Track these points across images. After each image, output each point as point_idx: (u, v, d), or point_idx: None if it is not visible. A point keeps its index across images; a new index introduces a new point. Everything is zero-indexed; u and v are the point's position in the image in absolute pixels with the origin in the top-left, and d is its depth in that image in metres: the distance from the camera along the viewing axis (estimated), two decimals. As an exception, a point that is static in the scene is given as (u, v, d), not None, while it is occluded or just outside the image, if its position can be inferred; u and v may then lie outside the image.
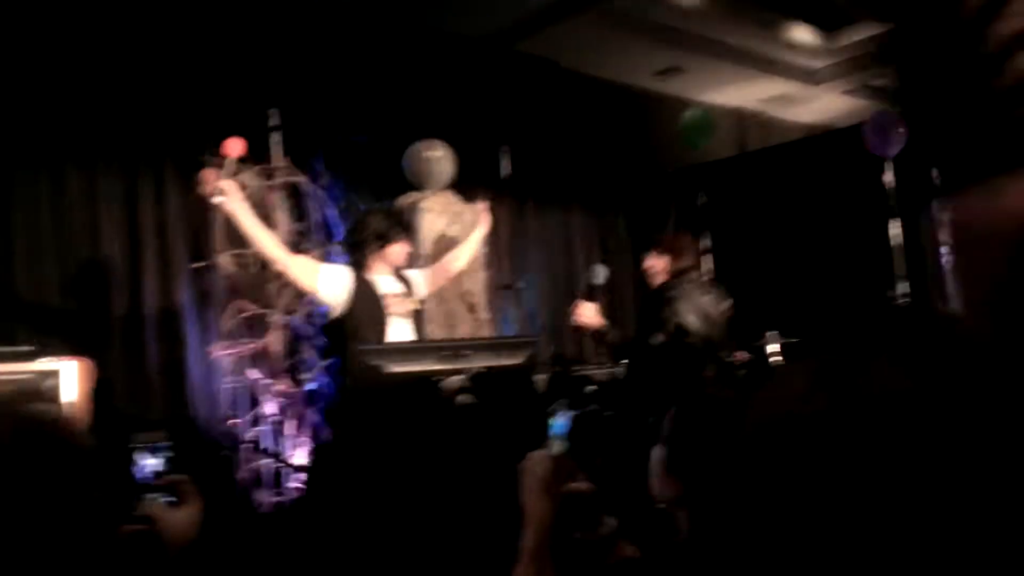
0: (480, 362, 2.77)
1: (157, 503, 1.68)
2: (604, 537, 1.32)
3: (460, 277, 5.03)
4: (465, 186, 5.21)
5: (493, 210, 5.71)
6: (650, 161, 6.79)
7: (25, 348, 3.21)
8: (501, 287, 5.19)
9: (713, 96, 7.23)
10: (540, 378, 4.29)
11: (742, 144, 7.63)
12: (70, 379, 3.16)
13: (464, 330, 4.75)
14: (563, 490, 1.32)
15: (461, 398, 2.62)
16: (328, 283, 3.61)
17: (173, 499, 1.68)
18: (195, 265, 4.42)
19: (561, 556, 1.26)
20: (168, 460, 1.76)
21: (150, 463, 1.76)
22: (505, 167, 5.91)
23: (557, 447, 1.51)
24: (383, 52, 5.08)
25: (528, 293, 5.13)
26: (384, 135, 5.04)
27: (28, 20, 3.88)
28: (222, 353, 4.26)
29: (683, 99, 7.09)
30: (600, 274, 3.95)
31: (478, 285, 5.06)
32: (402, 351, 2.80)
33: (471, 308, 4.87)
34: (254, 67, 4.53)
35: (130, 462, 1.68)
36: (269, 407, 4.36)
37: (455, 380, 2.66)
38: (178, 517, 1.65)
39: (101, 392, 3.25)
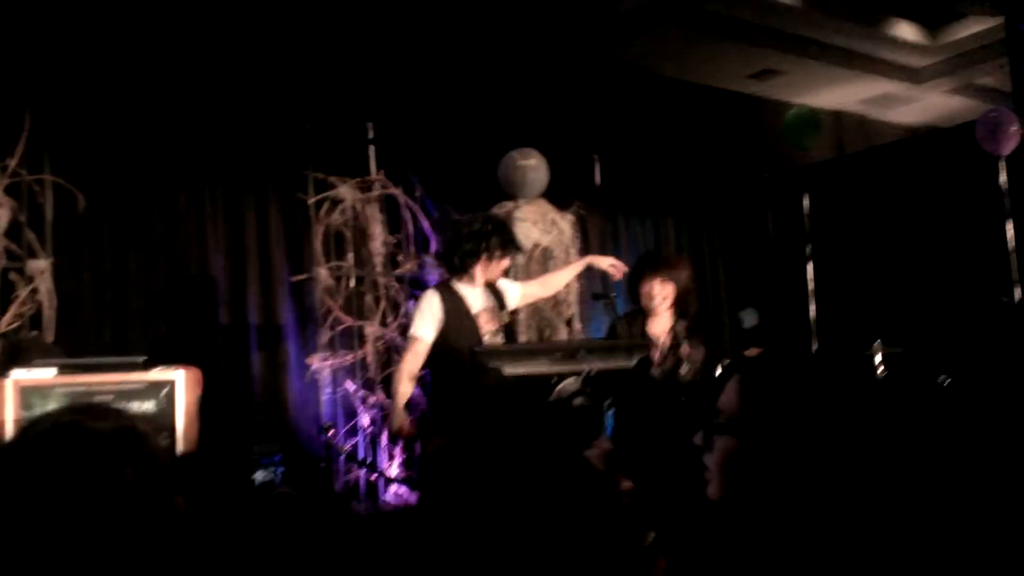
0: (594, 364, 2.72)
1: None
2: (647, 549, 1.24)
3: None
4: (559, 195, 5.18)
5: (585, 219, 5.70)
6: (744, 167, 6.61)
7: (138, 359, 3.30)
8: (594, 297, 5.11)
9: (810, 98, 7.01)
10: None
11: (841, 147, 7.37)
12: (181, 388, 3.25)
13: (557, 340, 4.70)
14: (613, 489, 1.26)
15: (577, 400, 2.58)
16: (428, 330, 3.60)
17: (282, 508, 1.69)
18: (295, 279, 4.50)
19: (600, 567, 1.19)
20: (281, 473, 1.77)
21: (261, 474, 1.77)
22: (597, 176, 5.85)
23: (607, 446, 1.46)
24: (476, 63, 5.09)
25: (620, 303, 5.03)
26: (478, 145, 5.04)
27: (139, 60, 4.04)
28: (320, 365, 4.32)
29: (779, 102, 6.90)
30: (748, 319, 3.90)
31: (572, 295, 5.00)
32: (518, 353, 2.76)
33: (565, 318, 4.81)
34: (350, 82, 4.60)
35: (250, 471, 1.70)
36: (365, 418, 4.39)
37: (571, 382, 2.63)
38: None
39: (207, 402, 3.33)
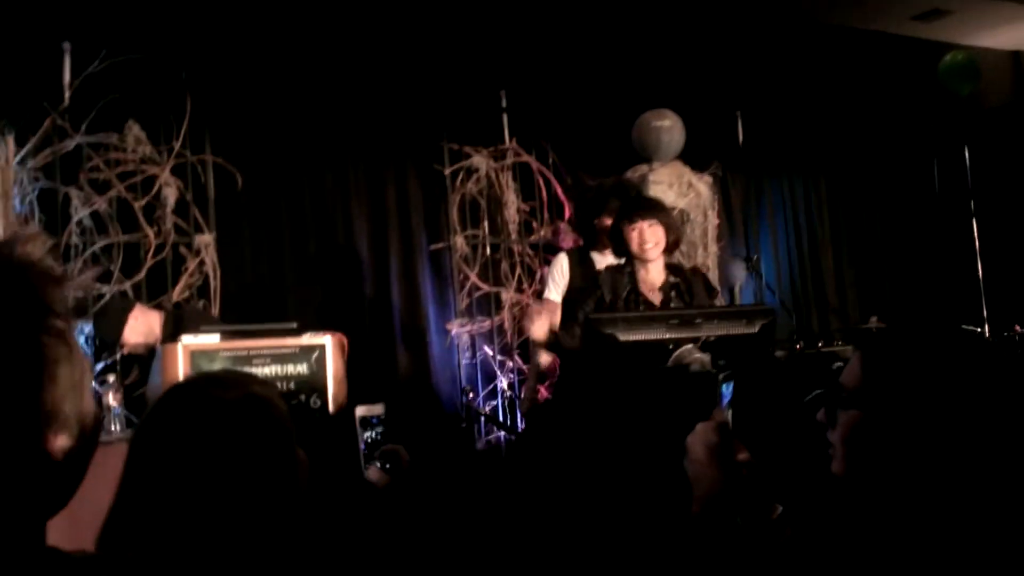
0: (712, 331, 2.69)
1: (375, 469, 1.82)
2: (773, 522, 1.23)
3: (692, 250, 4.92)
4: (697, 156, 5.07)
5: (727, 180, 5.54)
6: (907, 118, 6.16)
7: (289, 325, 3.56)
8: (735, 259, 4.99)
9: (984, 39, 6.41)
10: (779, 354, 4.09)
11: (1019, 92, 6.71)
12: (330, 352, 3.50)
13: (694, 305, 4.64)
14: (732, 462, 1.26)
15: (694, 367, 2.56)
16: (556, 292, 3.67)
17: (388, 466, 1.82)
18: (433, 247, 4.69)
19: (729, 541, 1.20)
20: (382, 432, 1.90)
21: (368, 433, 1.91)
22: (740, 134, 5.66)
23: (725, 416, 1.43)
24: (607, 23, 5.02)
25: (764, 266, 4.89)
26: (611, 108, 5.01)
27: (286, 46, 4.29)
28: (459, 330, 4.50)
29: (947, 44, 6.35)
30: (737, 273, 3.58)
31: (710, 259, 4.91)
32: (633, 320, 2.78)
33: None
34: (482, 52, 4.68)
35: (355, 431, 1.84)
36: (503, 382, 4.54)
37: (688, 349, 2.61)
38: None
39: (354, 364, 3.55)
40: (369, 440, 1.87)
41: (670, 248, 3.29)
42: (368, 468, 1.82)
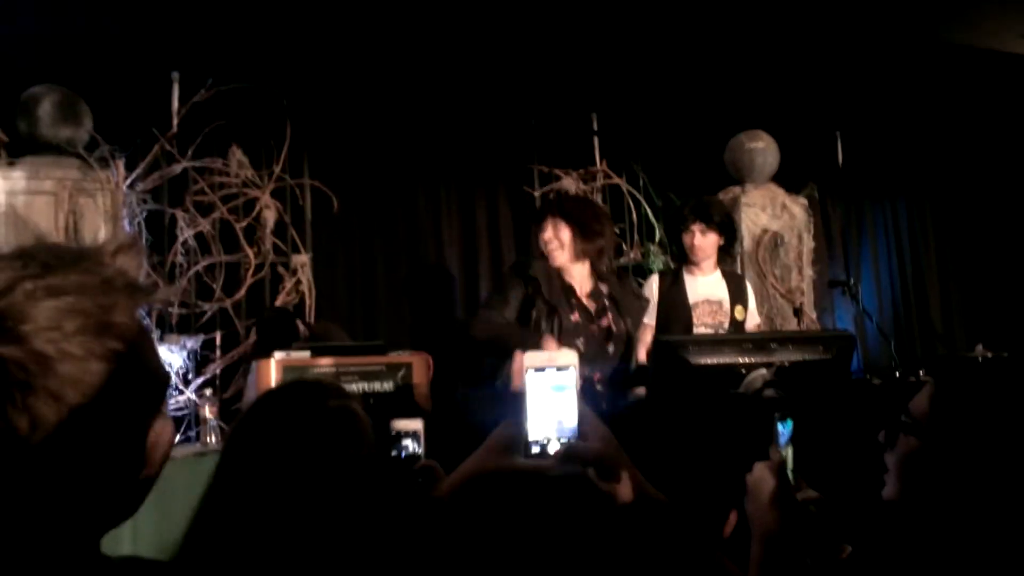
0: (786, 356, 2.59)
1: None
2: (842, 562, 1.17)
3: (785, 273, 4.79)
4: (793, 177, 4.95)
5: (826, 202, 5.37)
6: (1014, 138, 5.85)
7: (376, 343, 3.64)
8: (830, 284, 4.83)
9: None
10: (875, 381, 3.93)
11: None
12: (415, 371, 3.55)
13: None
14: (794, 501, 1.21)
15: (767, 392, 2.49)
16: (647, 314, 3.62)
17: (422, 481, 1.81)
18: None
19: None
20: (419, 448, 1.90)
21: (408, 446, 1.92)
22: (839, 155, 5.50)
23: (783, 455, 1.39)
24: (700, 45, 4.97)
25: (863, 291, 4.71)
26: (703, 129, 4.94)
27: (379, 74, 4.41)
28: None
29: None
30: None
31: (804, 283, 4.76)
32: (704, 343, 2.71)
33: (797, 308, 4.59)
34: (573, 75, 4.69)
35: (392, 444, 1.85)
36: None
37: (759, 374, 2.53)
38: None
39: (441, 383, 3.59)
40: (405, 455, 1.88)
41: (590, 254, 3.08)
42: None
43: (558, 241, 3.02)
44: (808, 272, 4.81)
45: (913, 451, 1.17)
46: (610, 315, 3.09)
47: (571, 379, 0.99)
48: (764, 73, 5.08)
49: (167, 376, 0.78)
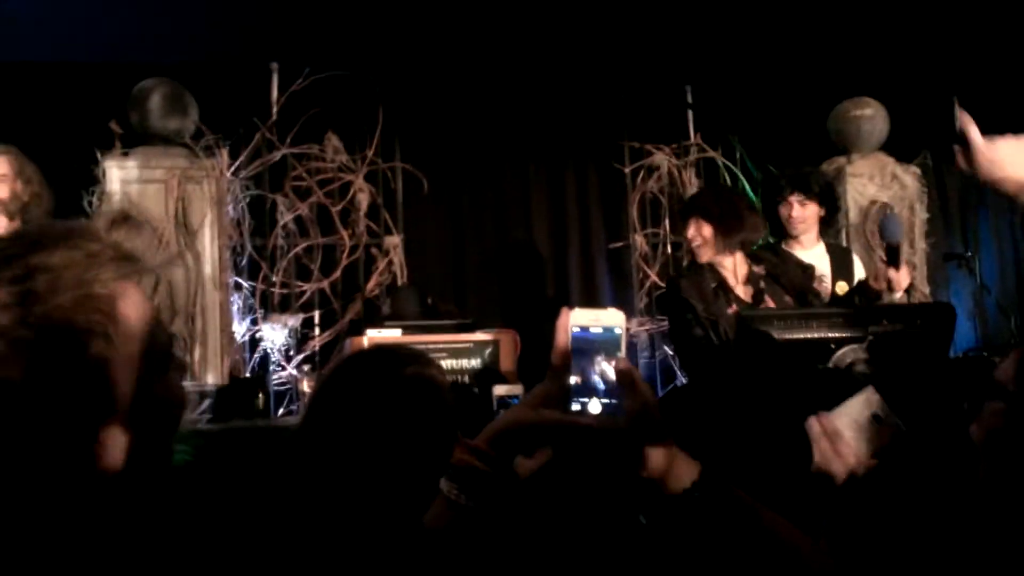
0: (879, 330, 2.47)
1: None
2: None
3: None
4: (904, 146, 4.67)
5: (942, 171, 5.03)
6: None
7: (465, 321, 3.69)
8: (947, 258, 4.55)
9: None
10: (995, 359, 3.68)
11: None
12: (503, 348, 3.59)
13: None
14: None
15: (858, 368, 2.38)
16: None
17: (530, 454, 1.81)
18: (613, 245, 4.66)
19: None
20: None
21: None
22: (957, 120, 5.13)
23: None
24: (798, 5, 4.74)
25: (984, 266, 4.41)
26: (805, 98, 4.73)
27: (468, 54, 4.44)
28: (637, 329, 4.43)
29: None
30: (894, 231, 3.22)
31: (916, 256, 4.50)
32: (791, 316, 2.61)
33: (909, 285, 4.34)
34: (666, 48, 4.58)
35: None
36: (682, 381, 4.41)
37: (852, 349, 2.42)
38: (527, 464, 1.76)
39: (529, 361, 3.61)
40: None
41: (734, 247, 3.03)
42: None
43: (701, 238, 3.02)
44: (921, 245, 4.55)
45: (997, 416, 1.13)
46: (768, 297, 3.04)
47: (617, 339, 0.97)
48: (871, 34, 4.80)
49: (169, 337, 0.80)
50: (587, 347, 0.95)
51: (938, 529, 1.19)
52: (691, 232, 3.06)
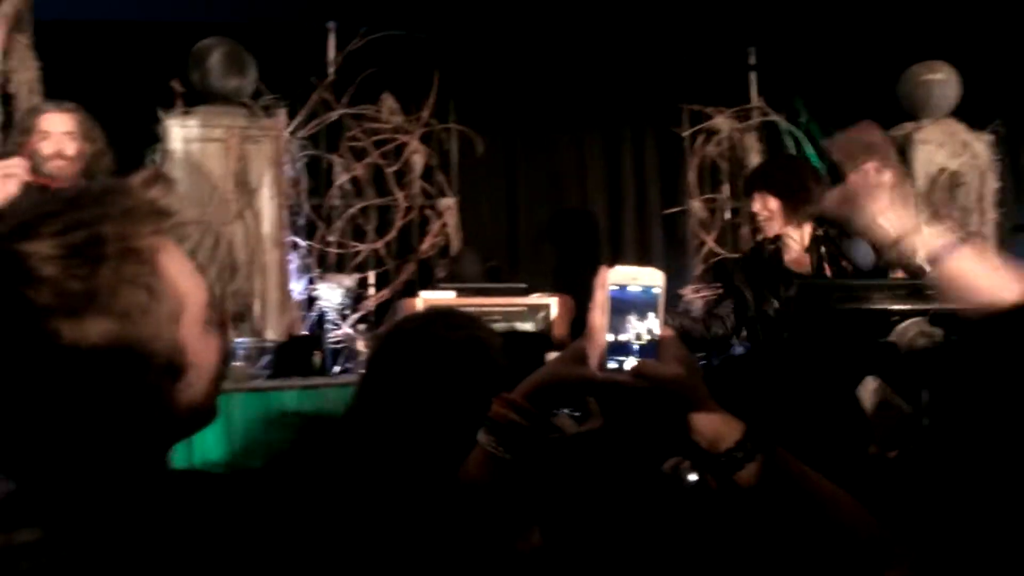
0: (943, 304, 2.40)
1: (564, 416, 1.82)
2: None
3: (966, 216, 4.40)
4: (977, 112, 4.50)
5: (1013, 138, 4.82)
6: None
7: (519, 285, 3.69)
8: (1016, 229, 4.39)
9: None
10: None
11: None
12: (555, 312, 3.58)
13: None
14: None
15: (920, 342, 2.32)
16: None
17: (579, 415, 1.81)
18: (668, 211, 4.59)
19: None
20: None
21: None
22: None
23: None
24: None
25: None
26: (874, 61, 4.57)
27: (523, 13, 4.37)
28: (693, 296, 4.37)
29: None
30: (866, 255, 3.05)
31: (987, 227, 4.36)
32: (853, 288, 2.55)
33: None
34: (729, 7, 4.46)
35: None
36: (738, 349, 4.36)
37: (915, 322, 2.36)
38: (573, 427, 1.76)
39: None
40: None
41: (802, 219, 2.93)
42: (558, 415, 1.83)
43: (768, 212, 2.95)
44: (991, 215, 4.40)
45: None
46: (827, 265, 2.95)
47: (655, 298, 0.95)
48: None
49: (206, 291, 0.81)
50: (624, 306, 0.93)
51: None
52: (757, 206, 2.97)
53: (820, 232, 2.95)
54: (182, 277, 0.76)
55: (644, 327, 0.93)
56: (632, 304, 0.93)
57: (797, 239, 2.96)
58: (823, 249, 2.95)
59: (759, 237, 3.12)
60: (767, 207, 2.93)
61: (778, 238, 2.97)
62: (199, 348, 0.77)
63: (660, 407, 0.93)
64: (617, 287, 0.93)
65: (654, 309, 0.93)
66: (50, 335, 0.69)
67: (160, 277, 0.74)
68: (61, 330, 0.69)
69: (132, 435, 0.74)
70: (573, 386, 0.95)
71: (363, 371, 1.39)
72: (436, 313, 1.49)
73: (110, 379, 0.71)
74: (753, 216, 3.06)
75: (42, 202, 0.74)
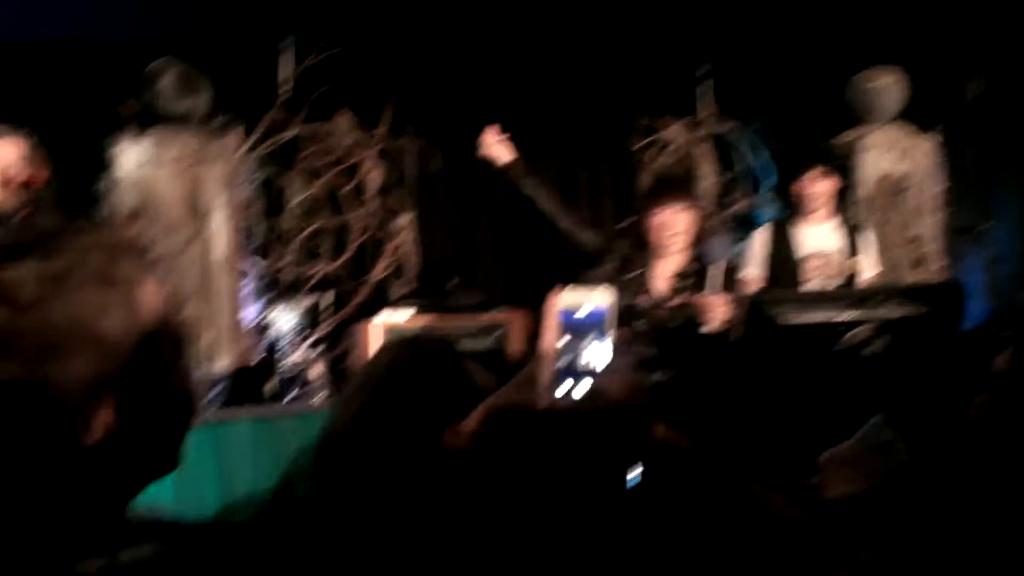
0: (890, 312, 2.48)
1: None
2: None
3: (913, 219, 4.50)
4: (923, 117, 4.60)
5: (954, 140, 4.92)
6: None
7: (477, 301, 3.71)
8: (959, 231, 4.50)
9: None
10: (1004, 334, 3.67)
11: None
12: (513, 329, 3.61)
13: (912, 281, 4.24)
14: None
15: (868, 349, 2.40)
16: (754, 268, 3.56)
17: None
18: (623, 224, 4.63)
19: None
20: None
21: None
22: (973, 90, 5.04)
23: None
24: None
25: (1000, 238, 4.34)
26: (822, 68, 4.65)
27: (475, 35, 4.39)
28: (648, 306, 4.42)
29: None
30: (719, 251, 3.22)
31: (929, 230, 4.46)
32: (803, 300, 2.62)
33: (919, 258, 4.31)
34: (679, 20, 4.51)
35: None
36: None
37: (861, 330, 2.44)
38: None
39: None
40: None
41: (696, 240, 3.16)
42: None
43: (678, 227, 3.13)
44: (936, 218, 4.50)
45: (986, 405, 1.19)
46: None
47: (604, 319, 0.97)
48: (889, 2, 4.72)
49: (182, 328, 0.81)
50: (575, 329, 0.95)
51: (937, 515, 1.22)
52: (667, 219, 3.11)
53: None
54: (157, 314, 0.77)
55: (595, 349, 0.96)
56: (583, 327, 0.96)
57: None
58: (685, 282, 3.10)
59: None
60: (677, 221, 3.14)
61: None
62: (180, 378, 0.79)
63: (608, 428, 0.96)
64: (566, 310, 0.95)
65: (604, 330, 0.95)
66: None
67: (136, 312, 0.74)
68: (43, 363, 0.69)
69: (99, 475, 0.73)
70: (525, 413, 0.96)
71: (347, 400, 1.38)
72: (411, 340, 1.50)
73: (81, 413, 0.71)
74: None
75: (20, 231, 0.75)
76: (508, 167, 3.26)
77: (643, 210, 3.19)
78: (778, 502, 0.99)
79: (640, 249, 3.21)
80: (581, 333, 0.96)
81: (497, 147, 3.26)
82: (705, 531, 0.98)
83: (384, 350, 1.40)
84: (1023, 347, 1.20)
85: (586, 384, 0.95)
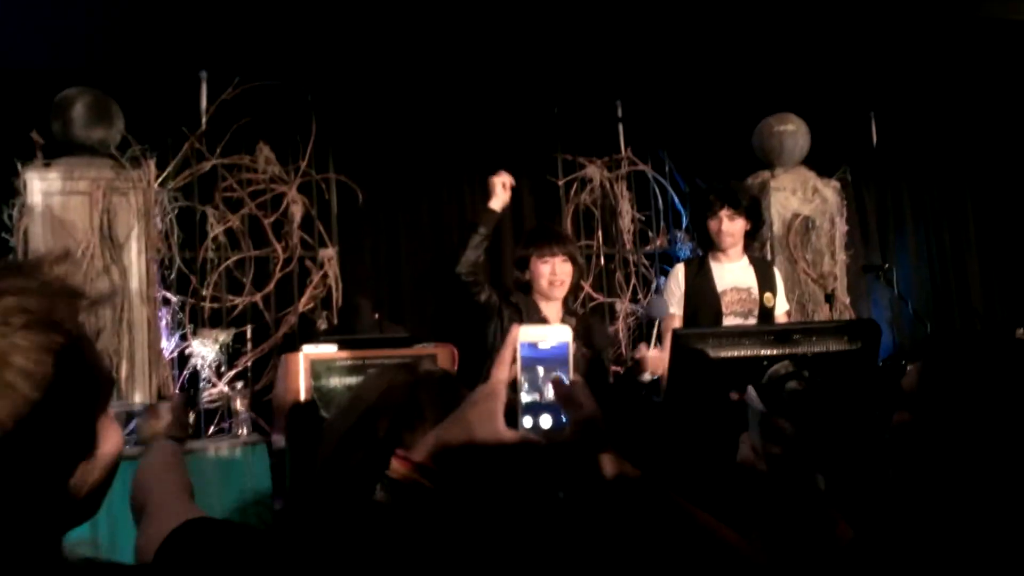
0: (810, 348, 2.56)
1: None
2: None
3: (818, 258, 4.71)
4: (826, 160, 4.86)
5: (861, 186, 5.22)
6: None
7: (403, 335, 3.67)
8: (865, 269, 4.74)
9: None
10: (910, 367, 3.85)
11: None
12: (439, 363, 3.59)
13: (820, 317, 4.43)
14: None
15: (789, 385, 2.46)
16: (673, 305, 3.69)
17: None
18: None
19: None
20: None
21: None
22: (873, 136, 5.37)
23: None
24: (723, 24, 4.88)
25: (900, 276, 4.59)
26: (731, 113, 4.87)
27: (399, 71, 4.41)
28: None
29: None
30: (660, 308, 3.51)
31: (837, 268, 4.68)
32: (724, 335, 2.69)
33: (829, 293, 4.51)
34: (596, 62, 4.65)
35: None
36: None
37: (781, 366, 2.50)
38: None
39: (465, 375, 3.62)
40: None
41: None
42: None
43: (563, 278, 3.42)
44: (841, 257, 4.73)
45: (902, 425, 1.24)
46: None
47: (565, 355, 0.98)
48: (792, 53, 4.97)
49: (111, 377, 0.80)
50: (536, 363, 0.96)
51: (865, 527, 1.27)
52: (559, 270, 3.39)
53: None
54: (96, 359, 0.76)
55: (555, 383, 0.97)
56: (544, 361, 0.97)
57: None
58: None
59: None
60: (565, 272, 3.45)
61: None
62: (105, 433, 0.76)
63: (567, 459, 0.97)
64: (528, 344, 0.96)
65: (565, 365, 0.97)
66: None
67: (80, 355, 0.73)
68: None
69: (31, 516, 0.71)
70: (485, 447, 0.95)
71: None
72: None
73: (22, 452, 0.69)
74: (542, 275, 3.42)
75: None
76: (489, 210, 3.43)
77: (530, 255, 3.43)
78: (729, 534, 1.02)
79: (526, 295, 3.44)
80: (543, 367, 0.97)
81: (501, 191, 3.43)
82: (655, 562, 1.00)
83: (378, 375, 1.37)
84: (931, 365, 1.25)
85: (547, 419, 0.96)
